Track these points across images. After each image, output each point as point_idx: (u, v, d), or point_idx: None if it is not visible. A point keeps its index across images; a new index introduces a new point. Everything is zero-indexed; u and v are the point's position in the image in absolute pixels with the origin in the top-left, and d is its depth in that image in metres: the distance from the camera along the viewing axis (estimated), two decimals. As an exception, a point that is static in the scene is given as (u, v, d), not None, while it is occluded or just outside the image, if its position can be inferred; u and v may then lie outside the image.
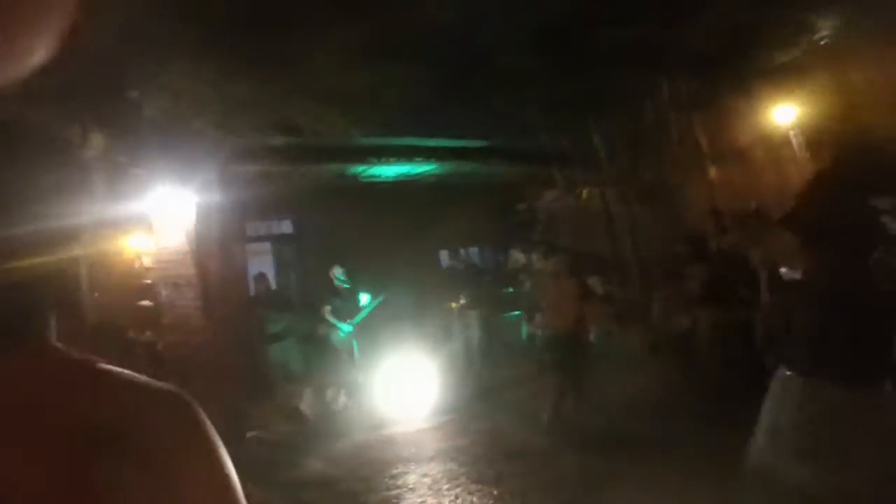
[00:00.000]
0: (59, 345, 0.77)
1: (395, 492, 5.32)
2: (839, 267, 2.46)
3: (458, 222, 11.42)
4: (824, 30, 7.16)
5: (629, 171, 9.52)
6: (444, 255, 12.97)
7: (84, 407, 0.71)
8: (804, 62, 7.54)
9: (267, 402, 7.63)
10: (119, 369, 0.78)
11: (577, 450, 5.46)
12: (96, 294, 5.44)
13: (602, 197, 10.39)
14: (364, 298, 8.95)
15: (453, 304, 10.26)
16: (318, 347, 8.14)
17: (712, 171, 9.14)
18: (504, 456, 5.75)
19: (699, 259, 6.81)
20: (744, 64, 7.69)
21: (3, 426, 0.68)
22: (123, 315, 6.10)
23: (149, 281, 6.30)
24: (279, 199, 8.71)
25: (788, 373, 2.58)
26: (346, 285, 8.88)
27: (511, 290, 11.23)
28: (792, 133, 8.12)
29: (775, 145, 8.46)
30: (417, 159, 10.01)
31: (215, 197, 6.11)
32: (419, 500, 5.10)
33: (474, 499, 4.91)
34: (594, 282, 5.83)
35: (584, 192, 10.93)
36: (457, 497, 5.01)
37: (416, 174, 10.70)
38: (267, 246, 10.16)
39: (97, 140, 4.70)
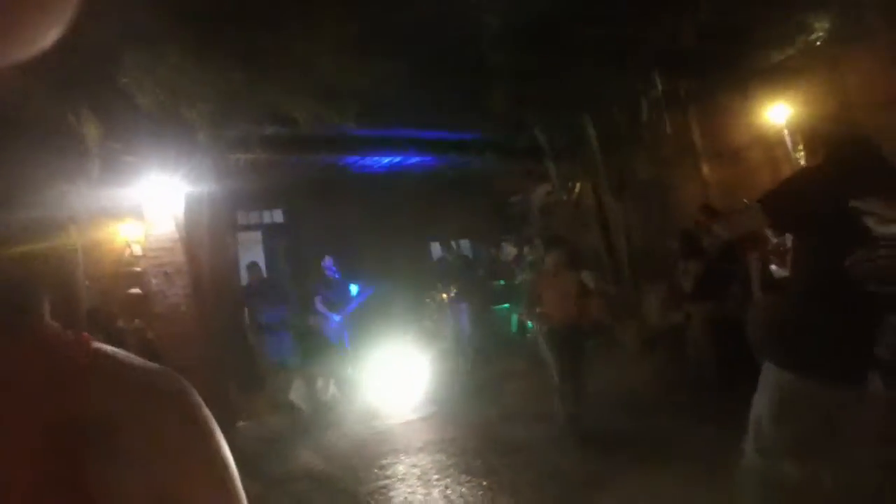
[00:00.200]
0: (53, 324, 0.75)
1: (384, 482, 5.33)
2: (818, 265, 2.48)
3: (449, 215, 11.43)
4: (819, 30, 7.19)
5: (622, 167, 9.55)
6: (435, 247, 12.98)
7: (76, 394, 0.69)
8: (799, 62, 7.57)
9: (257, 393, 7.62)
10: (114, 351, 0.76)
11: (568, 444, 5.49)
12: (87, 282, 5.40)
13: (594, 192, 10.41)
14: (355, 290, 8.96)
15: (444, 296, 10.28)
16: (308, 338, 8.13)
17: (705, 169, 9.18)
18: (494, 448, 5.77)
19: (692, 255, 6.84)
20: (739, 63, 7.71)
21: None
22: (113, 303, 6.08)
23: (139, 269, 6.26)
24: (271, 189, 8.67)
25: (774, 368, 2.61)
26: (337, 276, 8.88)
27: (502, 283, 11.24)
28: (785, 132, 8.15)
29: (769, 144, 8.50)
30: (409, 151, 9.99)
31: (207, 186, 6.07)
32: (408, 490, 5.10)
33: (464, 489, 4.92)
34: (587, 276, 5.83)
35: (577, 187, 10.95)
36: (446, 488, 5.02)
37: (409, 166, 10.68)
38: (258, 236, 10.12)
39: (92, 127, 4.65)
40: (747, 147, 8.78)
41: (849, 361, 2.38)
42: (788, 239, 3.41)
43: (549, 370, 5.74)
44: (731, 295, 6.42)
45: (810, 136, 8.05)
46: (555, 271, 5.75)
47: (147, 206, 6.07)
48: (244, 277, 8.23)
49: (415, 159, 10.39)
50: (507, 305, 10.96)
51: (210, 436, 0.78)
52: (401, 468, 5.62)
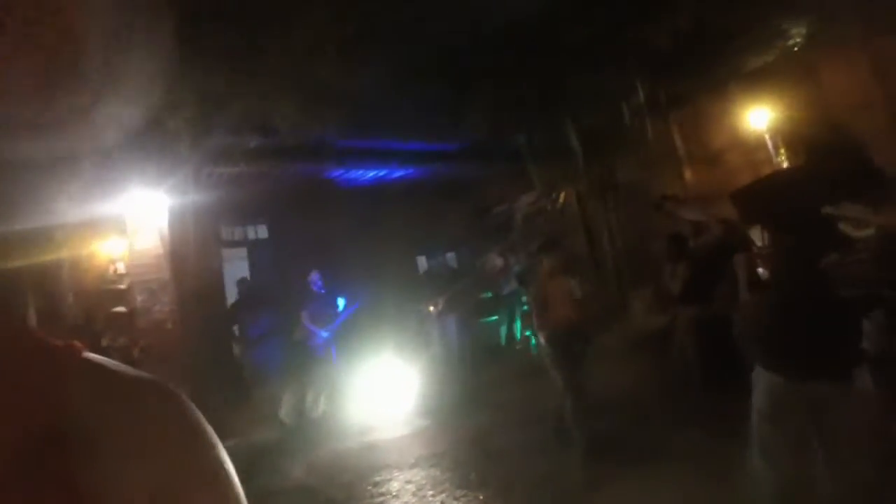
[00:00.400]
0: (37, 330, 0.71)
1: (378, 499, 5.23)
2: (797, 268, 2.50)
3: (434, 226, 11.40)
4: (797, 36, 7.28)
5: (605, 172, 9.58)
6: (421, 260, 12.95)
7: (65, 401, 0.65)
8: (777, 67, 7.66)
9: (245, 409, 7.48)
10: (101, 359, 0.72)
11: (561, 450, 5.43)
12: (71, 297, 5.27)
13: (578, 198, 10.43)
14: (342, 304, 8.88)
15: (431, 308, 10.22)
16: (296, 353, 8.02)
17: (688, 172, 9.23)
18: (488, 460, 5.70)
19: (679, 257, 6.85)
20: (719, 68, 7.78)
21: None
22: (98, 321, 5.93)
23: (123, 286, 6.12)
24: (255, 203, 8.59)
25: (763, 372, 2.64)
26: (323, 291, 8.79)
27: (489, 294, 11.20)
28: (766, 136, 8.23)
29: (749, 148, 8.57)
30: (394, 163, 9.95)
31: (191, 200, 5.97)
32: (404, 507, 5.03)
33: (460, 504, 4.86)
34: (573, 283, 5.79)
35: (561, 194, 10.97)
36: (442, 503, 4.94)
37: (393, 179, 10.64)
38: (243, 252, 10.00)
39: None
40: (728, 150, 8.85)
41: (832, 361, 2.43)
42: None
43: (550, 376, 5.65)
44: (717, 297, 6.42)
45: (789, 139, 8.22)
46: (553, 275, 5.69)
47: (130, 222, 5.95)
48: (233, 293, 8.12)
49: (399, 172, 10.36)
50: (494, 317, 10.91)
51: (204, 443, 0.74)
52: (395, 484, 5.52)
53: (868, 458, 2.34)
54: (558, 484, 4.90)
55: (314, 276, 8.78)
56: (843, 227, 2.43)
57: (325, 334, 8.49)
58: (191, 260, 6.03)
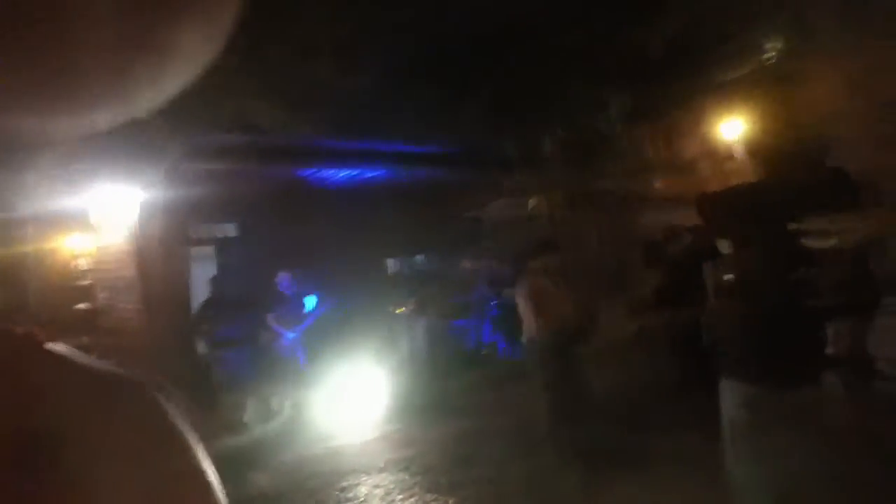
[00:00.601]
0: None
1: (345, 504, 5.17)
2: (761, 282, 2.53)
3: (406, 229, 11.33)
4: (772, 49, 7.42)
5: (578, 179, 9.64)
6: (392, 262, 12.88)
7: (20, 402, 0.58)
8: (752, 79, 7.79)
9: (210, 414, 7.31)
10: (68, 351, 0.65)
11: (532, 456, 5.41)
12: (32, 294, 5.09)
13: (553, 204, 10.47)
14: (310, 305, 8.77)
15: (399, 310, 10.17)
16: (262, 356, 7.88)
17: (660, 182, 9.34)
18: (457, 464, 5.66)
19: (654, 264, 6.91)
20: (693, 78, 7.89)
21: None
22: (60, 319, 5.71)
23: (87, 283, 5.92)
24: (225, 201, 8.43)
25: (732, 381, 2.65)
26: (291, 292, 8.68)
27: (460, 297, 11.18)
28: (737, 147, 8.36)
29: (721, 158, 8.70)
30: (367, 163, 9.87)
31: (159, 196, 5.81)
32: (372, 512, 4.96)
33: (430, 509, 4.82)
34: (566, 285, 5.74)
35: (534, 200, 11.01)
36: (411, 508, 4.90)
37: (366, 179, 10.56)
38: (210, 250, 9.80)
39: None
40: (700, 161, 8.98)
41: (805, 368, 2.45)
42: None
43: (532, 380, 5.57)
44: (692, 304, 6.49)
45: (759, 150, 8.39)
46: (546, 277, 5.61)
47: (97, 217, 5.77)
48: (203, 292, 7.94)
49: (372, 173, 10.28)
50: (464, 321, 10.90)
51: (183, 443, 0.67)
52: (363, 489, 5.45)
53: (854, 456, 2.37)
54: (530, 489, 4.89)
55: (282, 277, 8.67)
56: (808, 241, 2.47)
57: (291, 336, 8.38)
58: (158, 258, 5.87)
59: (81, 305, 5.95)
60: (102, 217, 5.78)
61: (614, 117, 8.86)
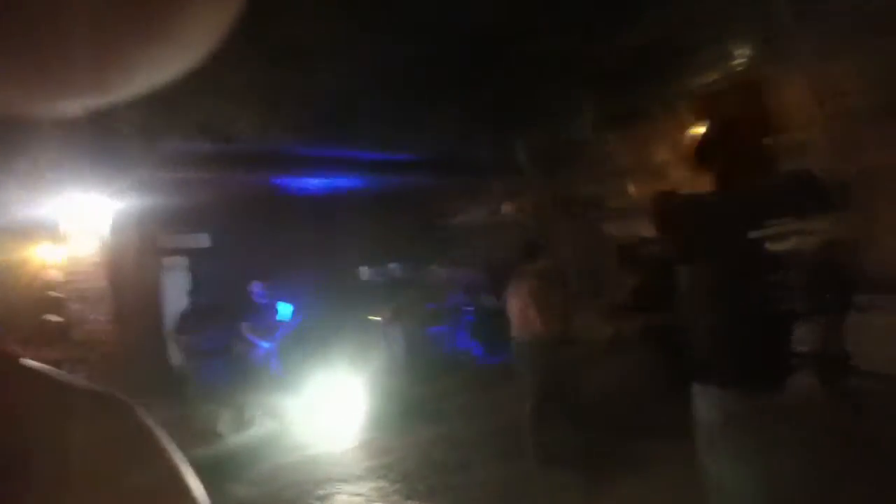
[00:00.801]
0: None
1: (324, 513, 5.13)
2: (725, 291, 2.55)
3: (381, 237, 11.32)
4: (742, 57, 7.58)
5: (553, 185, 9.72)
6: (366, 270, 12.84)
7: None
8: (723, 86, 7.96)
9: (183, 424, 7.20)
10: (40, 367, 0.65)
11: (510, 461, 5.43)
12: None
13: (525, 211, 10.54)
14: (285, 313, 8.70)
15: (375, 318, 10.13)
16: (237, 366, 7.79)
17: (635, 186, 9.46)
18: (436, 470, 5.66)
19: (629, 269, 7.00)
20: (664, 85, 8.03)
21: None
22: (27, 331, 5.57)
23: (57, 294, 5.79)
24: (197, 210, 8.33)
25: (707, 388, 2.67)
26: (265, 301, 8.60)
27: (435, 305, 11.19)
28: (705, 152, 8.50)
29: (691, 164, 8.83)
30: (342, 171, 9.85)
31: (131, 205, 5.71)
32: (351, 520, 4.93)
33: (409, 516, 4.80)
34: (554, 288, 5.72)
35: (508, 207, 11.07)
36: (391, 515, 4.88)
37: (341, 188, 10.53)
38: (182, 260, 9.65)
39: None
40: (673, 165, 9.12)
41: (773, 369, 2.48)
42: None
43: (530, 381, 5.46)
44: (665, 308, 6.58)
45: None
46: (535, 281, 5.56)
47: (68, 226, 5.65)
48: (175, 303, 7.82)
49: (346, 180, 10.25)
50: (440, 328, 10.90)
51: (166, 462, 0.67)
52: (342, 497, 5.41)
53: (831, 454, 2.40)
54: (509, 494, 4.91)
55: (256, 287, 8.58)
56: (776, 245, 2.49)
57: (266, 345, 8.29)
58: (129, 268, 5.77)
59: (52, 317, 5.81)
60: (73, 227, 5.66)
61: (588, 124, 8.96)
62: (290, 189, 10.12)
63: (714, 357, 2.61)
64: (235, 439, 7.21)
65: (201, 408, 7.26)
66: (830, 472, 2.49)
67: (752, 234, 2.39)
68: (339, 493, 5.52)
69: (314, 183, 10.20)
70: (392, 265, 13.16)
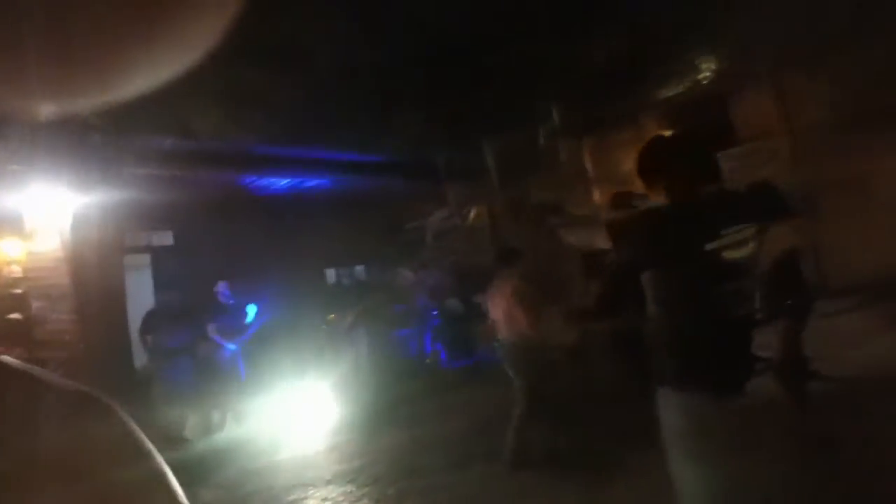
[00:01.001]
0: None
1: (294, 519, 5.05)
2: (686, 299, 2.60)
3: (346, 239, 11.26)
4: (706, 70, 7.76)
5: (518, 191, 9.80)
6: (331, 272, 12.78)
7: None
8: (687, 98, 8.14)
9: (148, 428, 7.02)
10: (15, 362, 0.63)
11: (479, 464, 5.44)
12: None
13: (491, 216, 10.60)
14: (251, 314, 8.58)
15: (341, 320, 10.07)
16: (203, 367, 7.63)
17: (597, 193, 9.61)
18: (405, 474, 5.63)
19: (592, 275, 7.07)
20: (631, 95, 8.17)
21: None
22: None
23: (19, 291, 5.58)
24: (163, 207, 8.16)
25: (669, 390, 2.72)
26: (231, 302, 8.47)
27: (401, 307, 11.17)
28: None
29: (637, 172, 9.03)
30: (308, 172, 9.75)
31: (96, 200, 5.54)
32: (321, 525, 4.88)
33: (380, 521, 4.77)
34: (532, 291, 5.76)
35: (473, 211, 11.12)
36: (361, 520, 4.83)
37: (307, 188, 10.43)
38: (146, 258, 9.44)
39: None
40: (635, 175, 9.29)
41: (735, 375, 2.53)
42: None
43: (510, 392, 5.48)
44: (630, 313, 6.66)
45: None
46: (514, 283, 5.60)
47: (29, 221, 5.45)
48: (138, 302, 7.63)
49: (313, 182, 10.16)
50: (406, 330, 10.88)
51: (146, 459, 0.67)
52: (311, 502, 5.35)
53: (795, 457, 2.46)
54: (478, 499, 4.91)
55: (221, 287, 8.45)
56: (736, 252, 2.54)
57: (232, 347, 8.17)
58: (93, 266, 5.59)
59: (14, 315, 5.58)
60: (36, 221, 5.47)
61: (553, 131, 9.06)
62: (256, 189, 9.98)
63: (677, 362, 2.65)
64: (202, 443, 7.07)
65: (167, 411, 7.09)
66: (791, 473, 2.56)
67: (710, 243, 2.43)
68: (307, 497, 5.46)
69: (280, 183, 10.08)
70: (358, 268, 13.13)
